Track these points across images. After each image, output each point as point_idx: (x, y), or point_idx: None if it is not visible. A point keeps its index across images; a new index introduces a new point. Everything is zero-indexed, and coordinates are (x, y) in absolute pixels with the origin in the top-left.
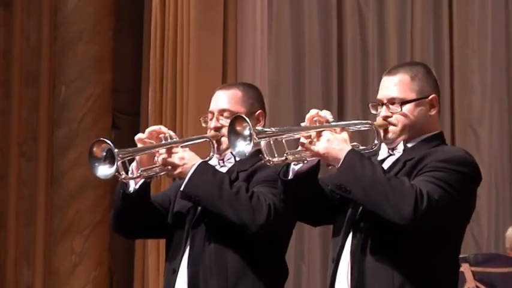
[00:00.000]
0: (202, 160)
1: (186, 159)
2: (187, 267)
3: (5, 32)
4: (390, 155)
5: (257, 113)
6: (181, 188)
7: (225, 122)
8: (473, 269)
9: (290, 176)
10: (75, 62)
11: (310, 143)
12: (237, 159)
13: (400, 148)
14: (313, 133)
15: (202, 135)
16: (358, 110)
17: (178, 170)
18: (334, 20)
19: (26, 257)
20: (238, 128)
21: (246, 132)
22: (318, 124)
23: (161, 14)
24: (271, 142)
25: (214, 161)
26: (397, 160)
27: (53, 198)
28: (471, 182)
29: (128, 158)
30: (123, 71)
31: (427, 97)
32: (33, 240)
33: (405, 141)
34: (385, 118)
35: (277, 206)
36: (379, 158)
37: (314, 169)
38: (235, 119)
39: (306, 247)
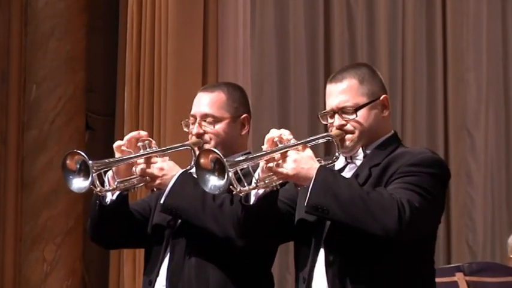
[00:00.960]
0: (182, 170)
1: (166, 170)
2: (166, 280)
3: None
4: (348, 162)
5: (242, 117)
6: (161, 201)
7: (208, 127)
8: (468, 278)
9: (253, 200)
10: (47, 60)
11: (277, 166)
12: None
13: (360, 155)
14: (277, 155)
15: (182, 144)
16: None
17: (158, 181)
18: (321, 16)
19: None
20: (203, 161)
21: (215, 165)
22: (279, 145)
23: (138, 9)
24: (239, 171)
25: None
26: (360, 168)
27: (23, 204)
28: (442, 183)
29: (104, 170)
30: (97, 70)
31: (378, 98)
32: (2, 248)
33: (363, 148)
34: (340, 127)
35: None
36: (337, 167)
37: (276, 191)
38: (201, 153)
39: (290, 256)
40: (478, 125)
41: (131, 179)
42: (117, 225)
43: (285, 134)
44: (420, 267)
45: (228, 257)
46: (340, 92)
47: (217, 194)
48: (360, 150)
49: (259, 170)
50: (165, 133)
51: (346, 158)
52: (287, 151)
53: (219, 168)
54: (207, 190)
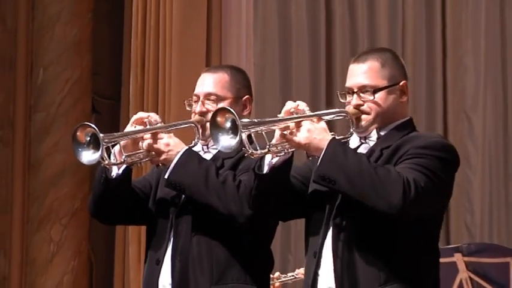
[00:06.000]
0: (187, 147)
1: (171, 146)
2: (172, 258)
3: None
4: (362, 143)
5: (244, 98)
6: (166, 176)
7: (211, 106)
8: (466, 259)
9: (266, 170)
10: (53, 44)
11: (291, 134)
12: None
13: (374, 136)
14: (291, 124)
15: (187, 121)
16: None
17: (163, 156)
18: (322, 0)
19: (2, 246)
20: (219, 120)
21: (229, 124)
22: (295, 115)
23: None
24: (252, 135)
25: (198, 147)
26: (373, 149)
27: (30, 185)
28: (451, 168)
29: (113, 143)
30: (103, 54)
31: (398, 83)
32: (9, 228)
33: (378, 129)
34: (357, 106)
35: None
36: (351, 146)
37: (289, 161)
38: (217, 111)
39: (292, 237)
40: (476, 108)
41: (137, 153)
42: (119, 200)
43: (301, 105)
44: (423, 252)
45: (231, 234)
46: (362, 73)
47: (221, 172)
48: (374, 131)
49: (274, 139)
50: (169, 116)
51: (360, 139)
52: (301, 121)
53: (233, 128)
54: (218, 148)
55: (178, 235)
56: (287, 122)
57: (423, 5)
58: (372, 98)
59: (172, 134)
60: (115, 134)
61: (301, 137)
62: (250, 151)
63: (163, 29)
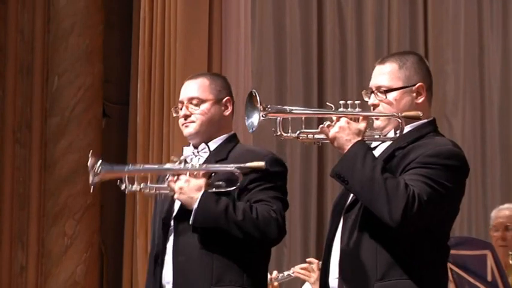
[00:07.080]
0: (203, 191)
1: (185, 190)
2: (173, 258)
3: (0, 26)
4: (382, 142)
5: (224, 99)
6: (191, 222)
7: (194, 109)
8: None
9: None
10: (67, 54)
11: (328, 126)
12: (211, 149)
13: (391, 135)
14: (334, 117)
15: (224, 169)
16: (337, 99)
17: (176, 196)
18: (314, 14)
19: (20, 239)
20: (254, 103)
21: (259, 107)
22: (345, 110)
23: (149, 8)
24: (289, 119)
25: (188, 151)
26: (387, 148)
27: (46, 183)
28: (460, 175)
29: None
30: (113, 62)
31: (414, 85)
32: (27, 223)
33: (395, 129)
34: (373, 106)
35: (283, 216)
36: (373, 144)
37: None
38: (251, 95)
39: (287, 230)
40: (455, 113)
41: (161, 186)
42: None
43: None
44: (425, 251)
45: (231, 238)
46: (380, 74)
47: (237, 208)
48: (392, 132)
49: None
50: (174, 120)
51: (380, 136)
52: (341, 116)
53: (260, 111)
54: (246, 123)
55: (179, 236)
56: (324, 115)
57: (407, 19)
58: (384, 97)
59: (192, 176)
60: (115, 169)
61: (331, 131)
62: (279, 133)
63: (168, 40)
